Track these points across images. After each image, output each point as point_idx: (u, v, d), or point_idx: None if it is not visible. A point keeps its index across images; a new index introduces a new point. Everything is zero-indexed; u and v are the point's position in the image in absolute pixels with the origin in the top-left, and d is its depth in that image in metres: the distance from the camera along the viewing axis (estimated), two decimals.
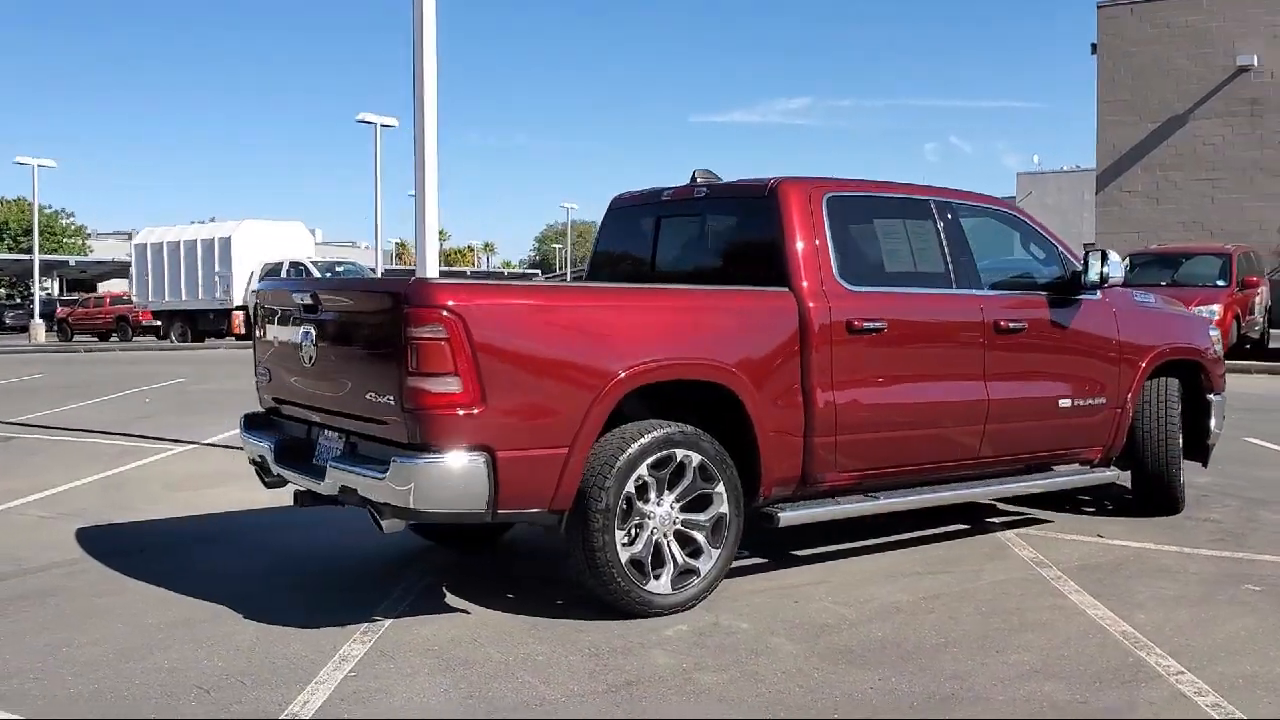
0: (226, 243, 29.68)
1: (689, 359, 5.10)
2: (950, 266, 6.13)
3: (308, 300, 5.14)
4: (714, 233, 6.22)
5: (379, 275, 33.35)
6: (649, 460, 4.96)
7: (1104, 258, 6.37)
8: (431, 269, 8.89)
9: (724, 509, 5.18)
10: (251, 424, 5.83)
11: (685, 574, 5.11)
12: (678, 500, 5.10)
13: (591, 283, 5.95)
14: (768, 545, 6.13)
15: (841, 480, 5.69)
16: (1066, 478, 6.72)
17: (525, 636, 4.78)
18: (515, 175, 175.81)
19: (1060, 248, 6.73)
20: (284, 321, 5.48)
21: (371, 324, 4.84)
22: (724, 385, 5.17)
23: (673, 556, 5.08)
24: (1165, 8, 32.24)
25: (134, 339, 36.69)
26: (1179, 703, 4.05)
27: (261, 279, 29.43)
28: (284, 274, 29.20)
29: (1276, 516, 7.19)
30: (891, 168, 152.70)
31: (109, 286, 53.82)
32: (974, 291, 6.18)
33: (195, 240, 31.09)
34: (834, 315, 5.52)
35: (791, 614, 5.11)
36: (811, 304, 5.47)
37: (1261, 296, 20.41)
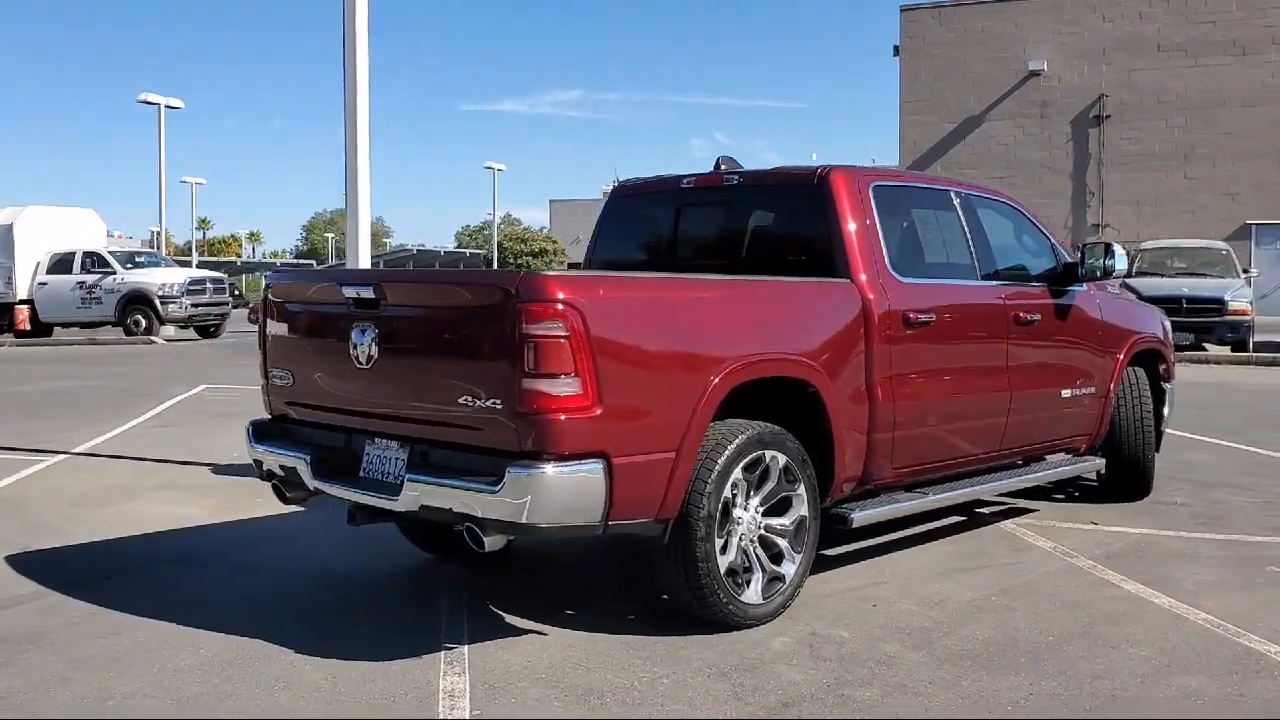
0: (8, 230, 27.04)
1: (781, 354, 4.84)
2: (975, 258, 6.10)
3: (367, 294, 4.56)
4: (749, 222, 5.96)
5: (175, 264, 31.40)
6: (743, 462, 4.67)
7: (1108, 250, 6.47)
8: (364, 260, 8.28)
9: (804, 511, 4.95)
10: (262, 433, 5.18)
11: (772, 581, 4.85)
12: (761, 504, 4.84)
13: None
14: None
15: (888, 478, 5.55)
16: (1067, 466, 6.82)
17: (630, 658, 4.41)
18: (279, 162, 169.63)
19: (1051, 239, 6.82)
20: (324, 318, 4.88)
21: (468, 321, 4.32)
22: (808, 381, 4.93)
23: (760, 563, 4.81)
24: (964, 12, 33.91)
25: None
26: None
27: (49, 270, 27.11)
28: (77, 265, 26.95)
29: (1235, 498, 7.51)
30: (659, 161, 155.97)
31: None
32: (995, 283, 6.17)
33: None
34: (891, 308, 5.36)
35: (879, 618, 4.92)
36: (872, 296, 5.30)
37: None
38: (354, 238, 8.23)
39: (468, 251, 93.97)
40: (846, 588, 5.39)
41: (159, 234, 76.04)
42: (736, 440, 4.62)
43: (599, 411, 4.14)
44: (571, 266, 66.12)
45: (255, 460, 5.15)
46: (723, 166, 6.01)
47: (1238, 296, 17.78)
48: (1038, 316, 6.30)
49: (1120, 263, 6.51)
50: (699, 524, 4.49)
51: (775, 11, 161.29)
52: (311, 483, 4.77)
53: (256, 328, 5.28)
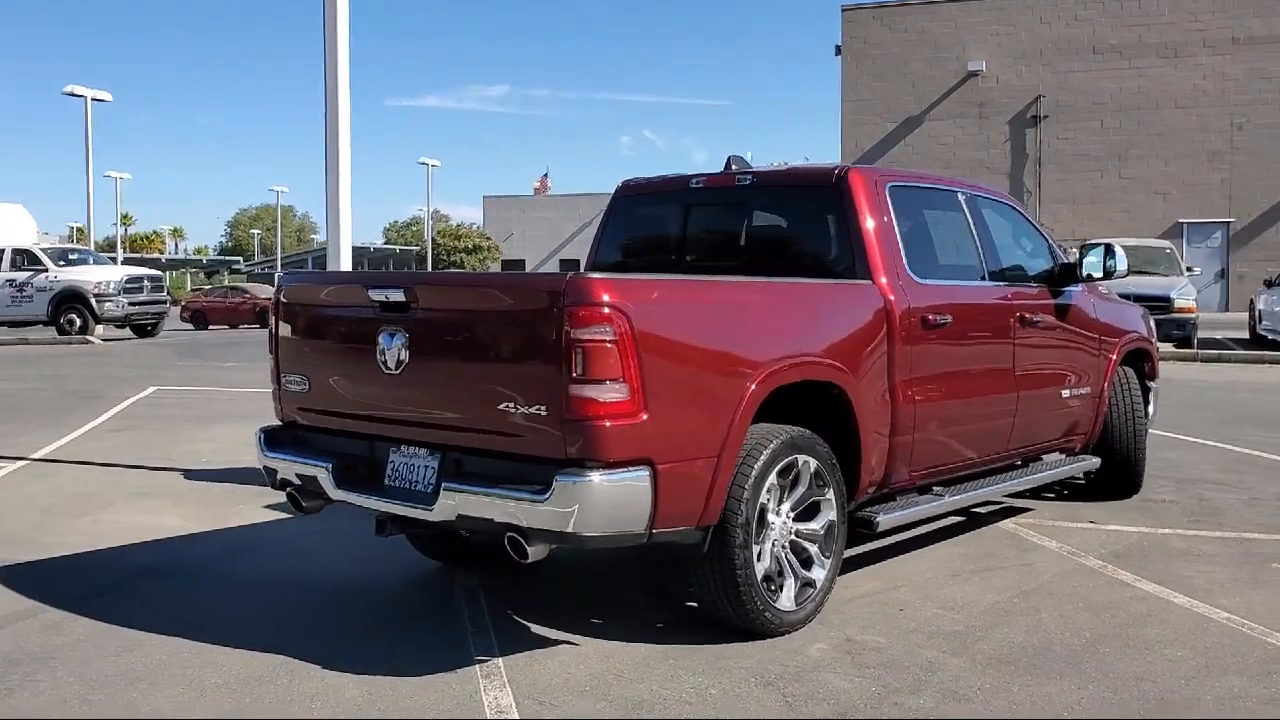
0: None
1: (814, 358, 4.78)
2: (982, 259, 6.10)
3: (397, 297, 4.40)
4: (763, 222, 5.89)
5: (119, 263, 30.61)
6: (778, 468, 4.60)
7: (1109, 251, 6.51)
8: (345, 262, 8.09)
9: (833, 515, 4.89)
10: (274, 441, 4.99)
11: (804, 587, 4.79)
12: (792, 509, 4.77)
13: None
14: None
15: (903, 481, 5.52)
16: (1066, 466, 6.86)
17: (671, 668, 4.31)
18: (202, 156, 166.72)
19: (1048, 240, 6.86)
20: (346, 321, 4.71)
21: (509, 324, 4.17)
22: (837, 384, 4.87)
23: (792, 569, 4.75)
24: (904, 13, 34.26)
25: None
26: None
27: None
28: (6, 262, 26.11)
29: (1221, 495, 7.62)
30: (590, 159, 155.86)
31: None
32: (1002, 284, 6.17)
33: None
34: (911, 309, 5.33)
35: (909, 623, 4.88)
36: (893, 297, 5.26)
37: None
38: (335, 240, 8.03)
39: (397, 248, 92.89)
40: (866, 592, 5.34)
41: (80, 230, 74.12)
42: (771, 445, 4.55)
43: (644, 417, 4.04)
44: (504, 264, 65.48)
45: (268, 469, 4.96)
46: (733, 166, 5.93)
47: (1183, 294, 18.13)
48: (1040, 317, 6.33)
49: (1122, 264, 6.56)
50: (737, 530, 4.41)
51: (705, 9, 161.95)
52: (335, 493, 4.60)
53: (268, 331, 5.08)
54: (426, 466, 4.45)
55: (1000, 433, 6.10)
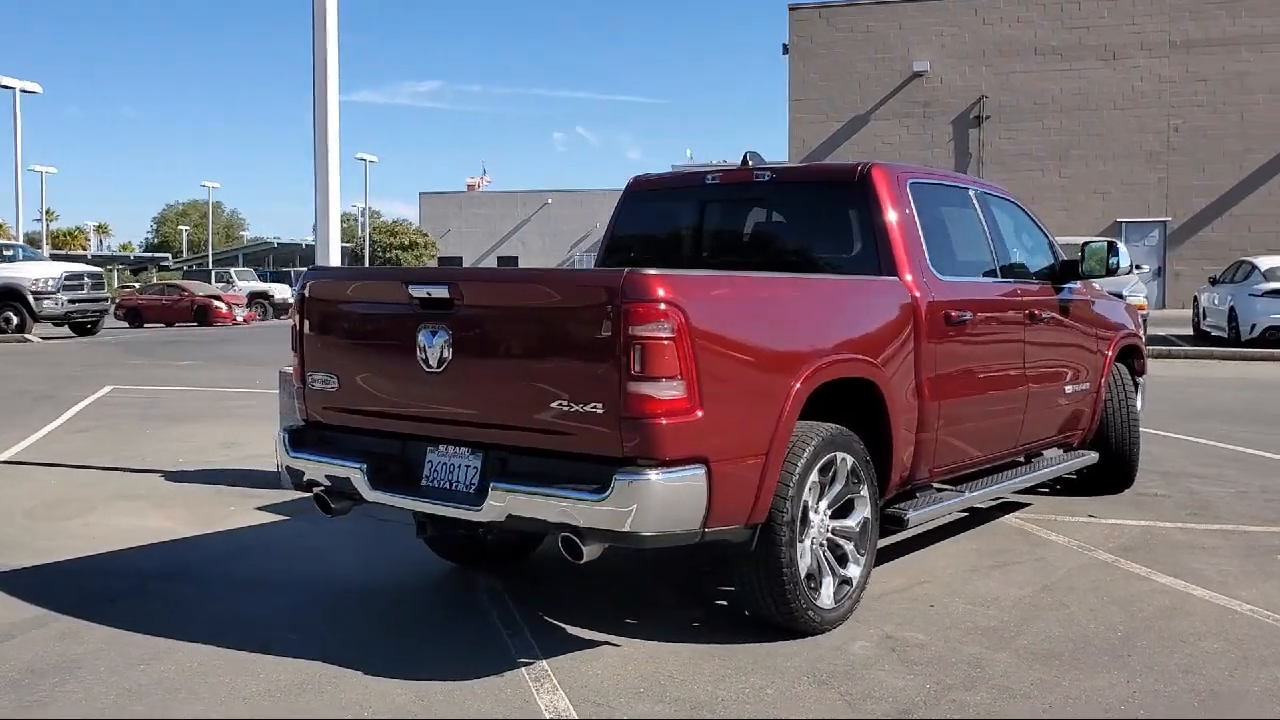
0: None
1: (853, 354, 4.76)
2: (994, 255, 6.14)
3: (440, 293, 4.29)
4: (783, 219, 5.86)
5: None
6: (818, 465, 4.57)
7: (1111, 248, 6.58)
8: (334, 257, 7.93)
9: (868, 512, 4.88)
10: (299, 441, 4.85)
11: (842, 584, 4.77)
12: (829, 506, 4.75)
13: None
14: None
15: (925, 477, 5.53)
16: (1069, 461, 6.92)
17: (720, 668, 4.27)
18: (127, 151, 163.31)
19: (1049, 236, 6.92)
20: (382, 318, 4.59)
21: (562, 321, 4.09)
22: (872, 380, 4.86)
23: (830, 567, 4.73)
24: (850, 13, 34.52)
25: None
26: None
27: None
28: None
29: (1208, 488, 7.76)
30: (524, 155, 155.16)
31: None
32: (1012, 281, 6.21)
33: None
34: (935, 305, 5.34)
35: (944, 619, 4.89)
36: (918, 293, 5.27)
37: None
38: (324, 238, 7.87)
39: None
40: (893, 588, 5.34)
41: (2, 226, 71.54)
42: (814, 442, 4.52)
43: (700, 415, 3.99)
44: (440, 261, 64.70)
45: (292, 470, 4.82)
46: (750, 162, 5.89)
47: (1135, 291, 18.46)
48: (1046, 314, 6.38)
49: (1125, 260, 6.63)
50: (783, 528, 4.38)
51: (642, 6, 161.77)
52: (370, 494, 4.48)
53: (291, 327, 4.93)
54: (468, 466, 4.35)
55: (1012, 429, 6.15)
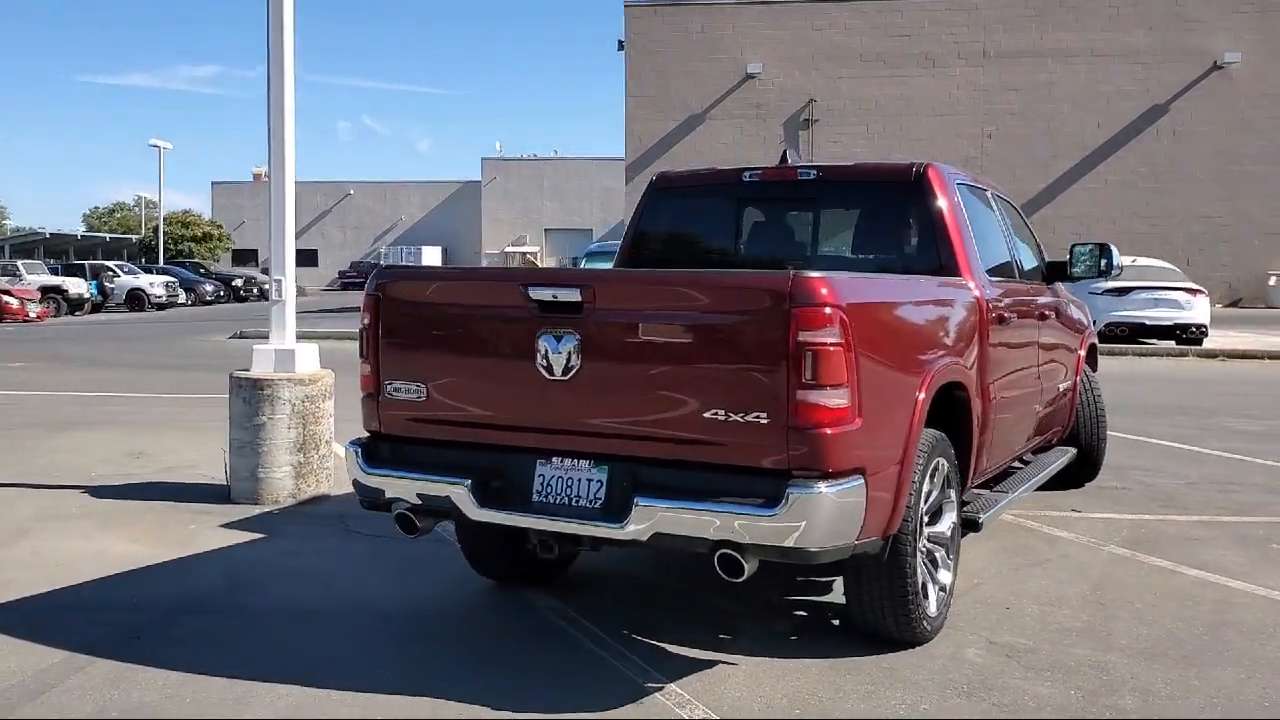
0: None
1: (954, 358, 4.70)
2: (1014, 258, 6.20)
3: (570, 296, 3.96)
4: (833, 219, 5.74)
5: None
6: (928, 472, 4.49)
7: (1104, 250, 6.75)
8: (289, 259, 7.39)
9: (954, 517, 4.83)
10: (374, 457, 4.41)
11: (940, 591, 4.70)
12: (926, 513, 4.68)
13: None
14: None
15: (974, 481, 5.53)
16: (1060, 459, 7.06)
17: (853, 682, 4.12)
18: None
19: (1035, 237, 7.06)
20: (490, 322, 4.21)
21: (719, 326, 3.82)
22: (962, 384, 4.81)
23: (930, 574, 4.65)
24: (685, 12, 34.83)
25: None
26: None
27: None
28: None
29: (1157, 480, 8.10)
30: (306, 143, 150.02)
31: None
32: (1026, 282, 6.30)
33: None
34: (991, 306, 5.35)
35: (1028, 621, 4.88)
36: (979, 294, 5.26)
37: None
38: (280, 234, 7.30)
39: (108, 236, 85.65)
40: (957, 590, 5.31)
41: None
42: (926, 449, 4.43)
43: (859, 423, 3.84)
44: (236, 254, 61.75)
45: (370, 487, 4.38)
46: (789, 160, 5.76)
47: None
48: (1050, 314, 6.51)
49: (1118, 261, 6.82)
50: (909, 538, 4.28)
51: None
52: (477, 513, 4.11)
53: (360, 331, 4.48)
54: (590, 480, 4.05)
55: (1029, 428, 6.23)
